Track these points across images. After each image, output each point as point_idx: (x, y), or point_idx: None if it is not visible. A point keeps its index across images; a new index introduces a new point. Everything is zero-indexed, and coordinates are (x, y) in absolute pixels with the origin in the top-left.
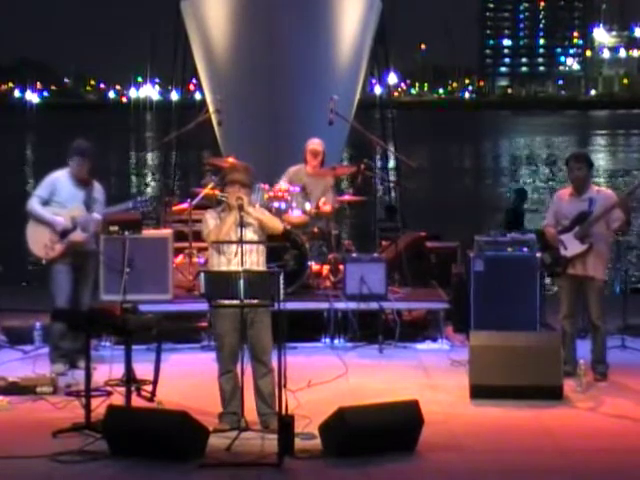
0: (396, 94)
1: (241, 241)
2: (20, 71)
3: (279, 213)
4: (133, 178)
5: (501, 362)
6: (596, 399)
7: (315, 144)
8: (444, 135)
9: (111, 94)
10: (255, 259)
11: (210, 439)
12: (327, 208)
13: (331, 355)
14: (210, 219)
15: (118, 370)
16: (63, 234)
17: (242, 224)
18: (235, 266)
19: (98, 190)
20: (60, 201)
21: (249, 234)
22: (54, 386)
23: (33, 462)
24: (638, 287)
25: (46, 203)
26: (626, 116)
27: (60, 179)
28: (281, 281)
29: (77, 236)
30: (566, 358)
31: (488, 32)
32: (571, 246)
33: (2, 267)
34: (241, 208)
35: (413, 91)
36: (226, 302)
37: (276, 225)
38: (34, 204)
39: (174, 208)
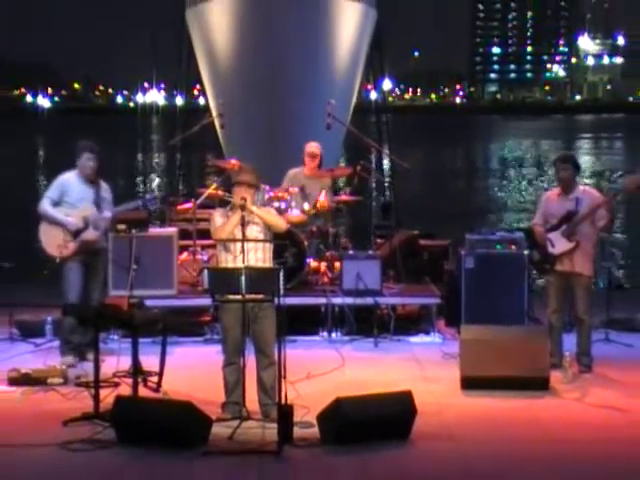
0: (390, 99)
1: (243, 239)
2: (32, 77)
3: (279, 213)
4: (140, 179)
5: (491, 354)
6: (581, 390)
7: (313, 147)
8: (437, 139)
9: (119, 99)
10: (261, 256)
11: (213, 428)
12: (324, 205)
13: (329, 348)
14: (217, 217)
15: (125, 362)
16: (76, 233)
17: (243, 223)
18: (240, 263)
19: (105, 189)
20: (71, 202)
21: (255, 233)
22: (64, 377)
23: (44, 450)
24: (622, 284)
25: (57, 204)
26: (610, 120)
27: (70, 180)
28: (281, 277)
29: (89, 235)
30: (552, 351)
31: (478, 40)
32: (558, 244)
33: (8, 264)
34: (243, 208)
35: (407, 96)
36: (230, 297)
37: (279, 224)
38: (45, 206)
39: (179, 207)
